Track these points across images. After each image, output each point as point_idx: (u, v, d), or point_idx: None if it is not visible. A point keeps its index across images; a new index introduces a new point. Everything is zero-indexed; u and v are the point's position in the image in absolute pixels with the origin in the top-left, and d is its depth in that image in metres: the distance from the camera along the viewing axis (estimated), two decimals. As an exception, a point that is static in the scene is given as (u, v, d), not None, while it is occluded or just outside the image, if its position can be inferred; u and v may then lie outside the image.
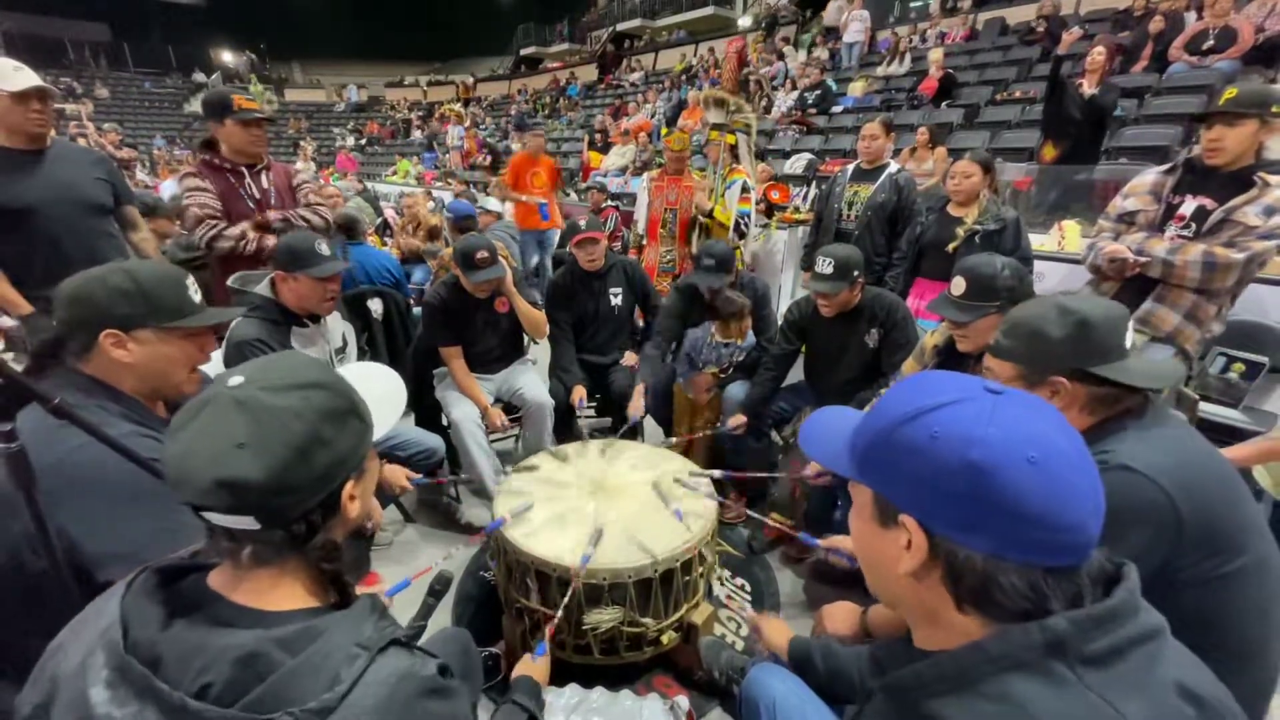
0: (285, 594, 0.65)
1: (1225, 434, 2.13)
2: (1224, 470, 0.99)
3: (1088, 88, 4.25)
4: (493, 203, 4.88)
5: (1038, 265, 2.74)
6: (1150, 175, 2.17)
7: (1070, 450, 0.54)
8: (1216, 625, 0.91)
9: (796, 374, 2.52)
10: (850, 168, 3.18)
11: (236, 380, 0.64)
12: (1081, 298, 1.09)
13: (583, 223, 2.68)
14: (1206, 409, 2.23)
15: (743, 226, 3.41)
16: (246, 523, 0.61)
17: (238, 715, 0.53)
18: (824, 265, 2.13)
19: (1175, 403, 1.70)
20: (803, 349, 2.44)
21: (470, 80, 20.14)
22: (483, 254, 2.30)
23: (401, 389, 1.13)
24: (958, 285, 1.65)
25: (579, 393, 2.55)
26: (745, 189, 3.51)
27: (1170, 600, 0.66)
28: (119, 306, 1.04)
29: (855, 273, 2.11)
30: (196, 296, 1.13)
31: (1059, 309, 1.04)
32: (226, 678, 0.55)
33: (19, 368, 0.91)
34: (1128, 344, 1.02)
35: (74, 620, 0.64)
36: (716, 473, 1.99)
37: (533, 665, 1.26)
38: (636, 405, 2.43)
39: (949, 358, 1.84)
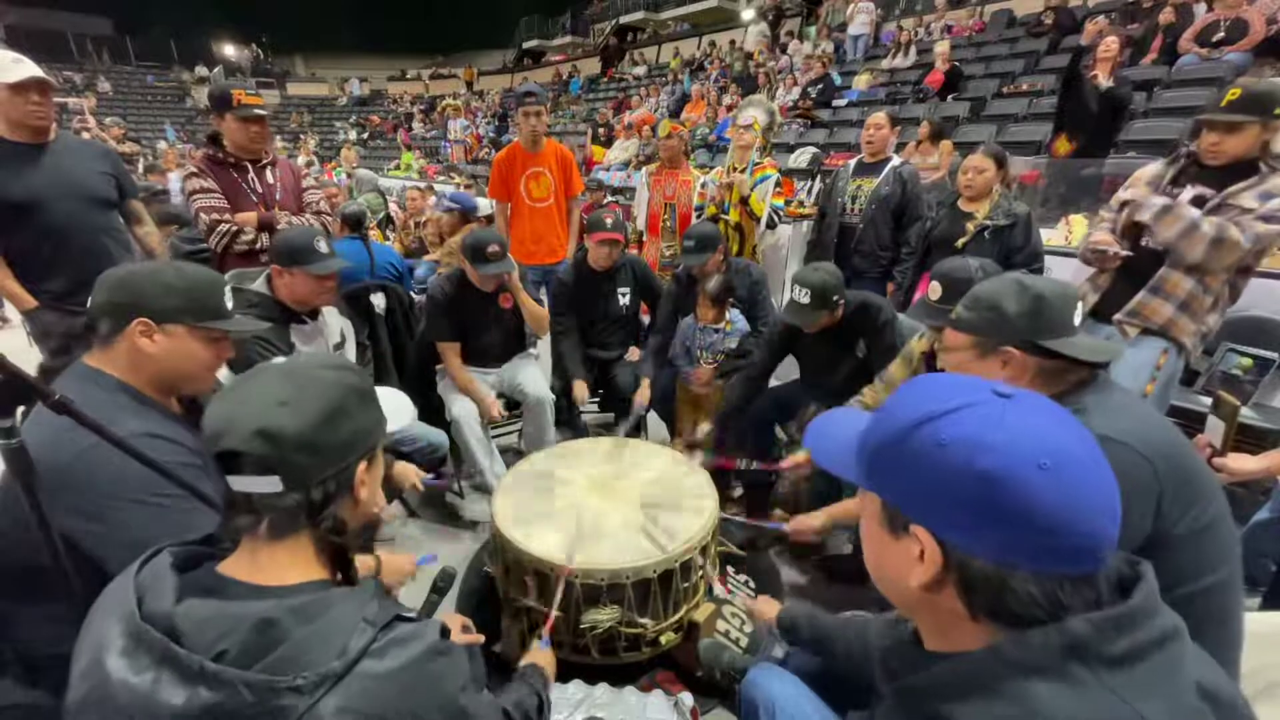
0: (299, 572, 0.69)
1: (1237, 433, 2.09)
2: (1172, 427, 1.07)
3: (1102, 79, 4.18)
4: (484, 204, 4.50)
5: (1045, 260, 2.71)
6: (1153, 166, 2.14)
7: (1083, 454, 0.53)
8: (1205, 573, 0.96)
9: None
10: (853, 162, 3.16)
11: (283, 359, 0.71)
12: (1038, 277, 1.16)
13: (609, 221, 2.56)
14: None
15: (775, 219, 3.37)
16: (271, 484, 0.66)
17: (253, 677, 0.55)
18: (800, 294, 1.94)
19: (1215, 408, 1.65)
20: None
21: (466, 71, 20.10)
22: (494, 248, 2.26)
23: (410, 408, 1.19)
24: (934, 290, 1.62)
25: (580, 389, 2.54)
26: (779, 183, 3.47)
27: (1164, 559, 0.67)
28: (161, 298, 1.06)
29: (835, 298, 1.95)
30: (230, 304, 1.16)
31: (1018, 284, 1.11)
32: (242, 643, 0.58)
33: (25, 363, 0.91)
34: (1076, 322, 1.10)
35: (96, 601, 0.68)
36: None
37: (540, 654, 1.28)
38: (644, 395, 2.43)
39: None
